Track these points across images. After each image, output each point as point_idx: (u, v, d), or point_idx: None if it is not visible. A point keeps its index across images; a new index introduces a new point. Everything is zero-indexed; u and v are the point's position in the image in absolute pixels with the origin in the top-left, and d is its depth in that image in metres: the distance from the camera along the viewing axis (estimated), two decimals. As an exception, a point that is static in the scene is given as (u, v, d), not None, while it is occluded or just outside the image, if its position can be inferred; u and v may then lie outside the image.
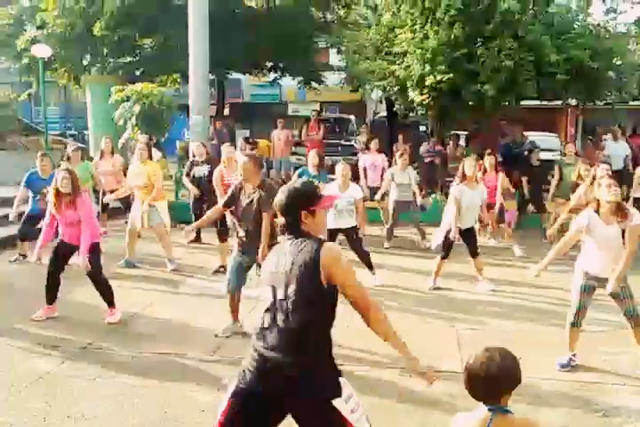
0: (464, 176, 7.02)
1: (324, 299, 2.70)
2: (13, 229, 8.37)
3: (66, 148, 10.84)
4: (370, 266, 7.24)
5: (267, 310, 2.77)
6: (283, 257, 2.78)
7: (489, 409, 2.31)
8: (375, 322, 2.75)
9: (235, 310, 5.57)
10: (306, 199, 2.81)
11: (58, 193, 5.73)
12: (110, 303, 5.97)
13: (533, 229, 9.88)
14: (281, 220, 2.84)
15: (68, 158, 8.88)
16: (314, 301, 2.68)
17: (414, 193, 9.24)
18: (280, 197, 2.84)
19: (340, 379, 2.71)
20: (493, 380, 2.27)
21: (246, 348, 4.80)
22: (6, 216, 8.30)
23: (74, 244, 5.81)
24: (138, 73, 16.11)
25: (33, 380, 4.61)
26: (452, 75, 10.30)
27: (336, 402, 2.62)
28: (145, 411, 4.21)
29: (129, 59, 16.45)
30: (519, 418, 2.36)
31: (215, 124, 14.58)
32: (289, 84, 19.82)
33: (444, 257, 7.13)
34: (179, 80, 17.70)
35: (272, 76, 18.60)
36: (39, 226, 6.37)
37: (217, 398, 4.33)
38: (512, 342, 5.27)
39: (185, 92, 14.55)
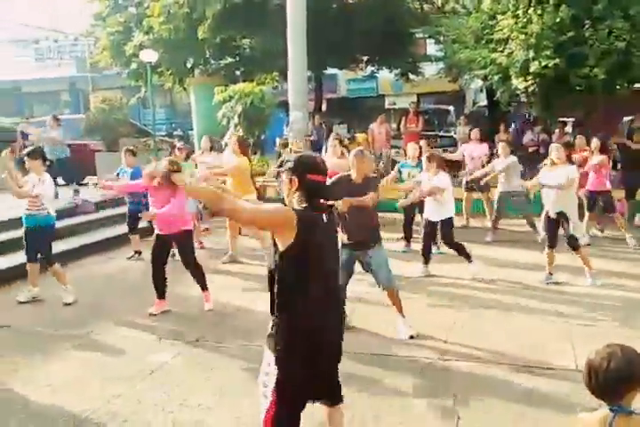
0: (552, 163, 6.71)
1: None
2: (123, 229, 8.80)
3: (172, 148, 11.29)
4: (467, 256, 7.07)
5: None
6: None
7: (610, 409, 2.17)
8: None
9: None
10: None
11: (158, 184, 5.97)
12: (204, 287, 6.26)
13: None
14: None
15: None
16: None
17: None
18: None
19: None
20: (615, 377, 2.13)
21: (354, 341, 4.81)
22: (117, 216, 8.77)
23: (171, 232, 6.09)
24: (238, 73, 16.52)
25: (151, 371, 4.83)
26: (557, 60, 9.84)
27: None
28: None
29: (230, 60, 16.89)
30: None
31: (314, 120, 14.70)
32: (385, 76, 19.66)
33: (551, 246, 6.82)
34: (277, 78, 17.99)
35: (369, 69, 18.52)
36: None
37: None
38: (627, 338, 5.05)
39: (283, 90, 14.81)
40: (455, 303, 6.28)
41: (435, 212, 7.07)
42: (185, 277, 6.47)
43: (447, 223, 7.08)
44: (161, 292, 6.21)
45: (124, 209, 8.96)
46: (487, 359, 4.85)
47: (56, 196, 8.22)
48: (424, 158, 7.18)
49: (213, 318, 6.03)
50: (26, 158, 6.47)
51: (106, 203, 10.13)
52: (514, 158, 9.02)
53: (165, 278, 6.23)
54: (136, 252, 8.54)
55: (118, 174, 8.49)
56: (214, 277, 7.38)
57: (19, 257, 6.88)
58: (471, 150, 10.31)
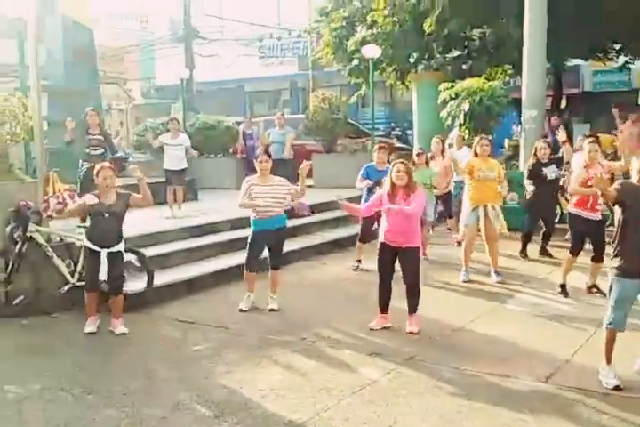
0: None
1: None
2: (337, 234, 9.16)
3: (391, 149, 11.52)
4: None
5: None
6: None
7: None
8: None
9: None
10: None
11: (393, 185, 6.11)
12: (414, 310, 6.22)
13: None
14: None
15: (414, 163, 9.26)
16: None
17: None
18: None
19: None
20: None
21: (582, 377, 4.53)
22: (335, 219, 9.14)
23: (398, 244, 6.11)
24: (465, 67, 16.36)
25: (360, 387, 4.98)
26: None
27: None
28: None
29: (457, 53, 16.79)
30: None
31: (550, 119, 14.06)
32: (640, 67, 18.20)
33: None
34: (509, 72, 17.51)
35: (621, 59, 17.26)
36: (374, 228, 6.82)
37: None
38: None
39: (516, 85, 14.38)
40: None
41: None
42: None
43: None
44: (383, 306, 6.31)
45: (339, 213, 9.36)
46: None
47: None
48: None
49: (429, 337, 6.07)
50: (265, 159, 6.87)
51: (321, 206, 10.63)
52: None
53: (390, 292, 6.30)
54: (357, 260, 8.73)
55: (367, 175, 8.49)
56: (435, 291, 7.45)
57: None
58: None
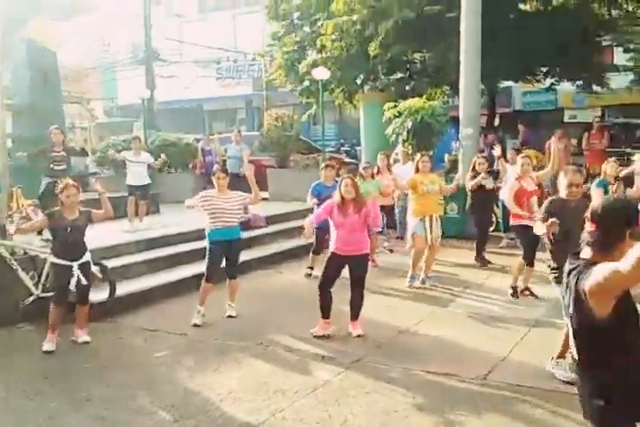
0: None
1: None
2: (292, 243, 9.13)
3: (340, 164, 11.58)
4: None
5: None
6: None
7: None
8: None
9: None
10: (632, 216, 2.64)
11: (343, 199, 6.09)
12: (358, 315, 6.20)
13: None
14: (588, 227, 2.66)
15: (361, 176, 9.30)
16: None
17: None
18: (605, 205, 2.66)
19: None
20: None
21: (518, 374, 4.60)
22: (290, 230, 9.12)
23: (350, 253, 6.09)
24: (408, 88, 16.59)
25: (314, 388, 4.97)
26: None
27: None
28: (417, 431, 4.29)
29: (400, 75, 17.02)
30: None
31: (486, 136, 14.34)
32: (565, 88, 18.67)
33: None
34: (447, 92, 17.82)
35: (548, 81, 17.73)
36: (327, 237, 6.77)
37: (487, 424, 4.29)
38: None
39: (454, 105, 14.61)
40: None
41: None
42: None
43: None
44: (326, 312, 6.24)
45: (293, 224, 9.33)
46: None
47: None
48: None
49: (375, 339, 6.07)
50: (222, 176, 6.77)
51: (276, 217, 10.61)
52: None
53: (331, 299, 6.23)
54: (309, 267, 8.71)
55: (318, 192, 8.40)
56: (380, 297, 7.49)
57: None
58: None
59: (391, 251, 10.09)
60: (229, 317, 6.86)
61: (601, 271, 2.44)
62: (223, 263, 6.88)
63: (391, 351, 5.76)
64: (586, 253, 2.66)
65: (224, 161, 13.49)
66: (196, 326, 6.61)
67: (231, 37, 27.36)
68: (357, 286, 6.21)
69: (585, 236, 2.67)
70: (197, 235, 8.65)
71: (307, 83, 17.44)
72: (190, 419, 4.50)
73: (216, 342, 6.14)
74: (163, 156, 11.50)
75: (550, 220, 4.77)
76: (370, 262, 8.90)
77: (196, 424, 4.42)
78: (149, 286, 7.75)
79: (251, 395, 4.88)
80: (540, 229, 5.03)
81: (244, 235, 9.46)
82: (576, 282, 2.56)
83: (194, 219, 7.18)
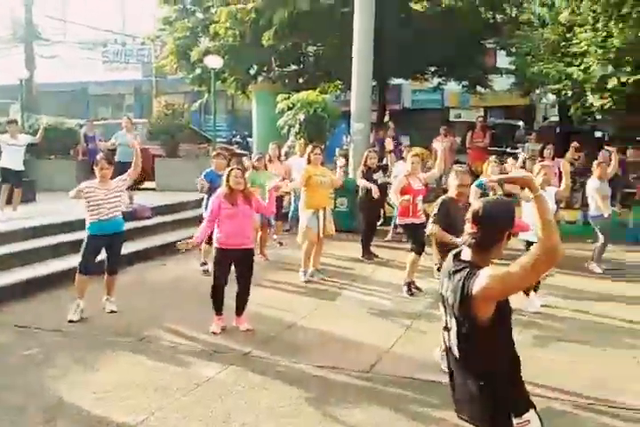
0: None
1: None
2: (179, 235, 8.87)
3: (231, 155, 11.40)
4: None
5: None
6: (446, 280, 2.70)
7: None
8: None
9: None
10: (510, 218, 2.68)
11: (231, 189, 5.95)
12: (244, 309, 6.13)
13: None
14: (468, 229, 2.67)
15: (253, 167, 9.17)
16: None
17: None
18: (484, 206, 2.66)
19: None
20: None
21: (401, 366, 4.66)
22: (177, 221, 8.84)
23: (237, 247, 5.93)
24: (301, 81, 16.61)
25: (197, 385, 4.82)
26: (639, 76, 9.49)
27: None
28: (302, 424, 4.25)
29: (294, 67, 17.00)
30: None
31: (378, 131, 14.61)
32: (452, 88, 19.42)
33: None
34: (340, 87, 18.00)
35: (435, 80, 18.34)
36: None
37: (370, 416, 4.33)
38: None
39: (346, 99, 14.77)
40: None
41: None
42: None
43: None
44: (221, 307, 6.09)
45: (180, 215, 9.07)
46: (548, 393, 4.63)
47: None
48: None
49: (263, 334, 6.00)
50: (106, 166, 6.42)
51: (163, 208, 10.28)
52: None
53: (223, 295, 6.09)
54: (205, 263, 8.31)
55: (210, 180, 8.09)
56: (268, 291, 7.42)
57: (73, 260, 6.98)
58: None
59: (280, 244, 10.05)
60: (111, 312, 6.54)
61: (488, 277, 2.48)
62: (104, 255, 6.55)
63: (278, 346, 5.70)
64: (466, 254, 2.69)
65: (111, 150, 12.90)
66: (72, 321, 6.24)
67: (120, 19, 26.26)
68: (243, 280, 6.08)
69: (465, 237, 2.69)
70: (76, 225, 8.22)
71: (199, 71, 17.05)
72: (63, 420, 4.23)
73: (94, 339, 5.83)
74: (42, 124, 10.79)
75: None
76: (260, 256, 8.91)
77: (69, 425, 4.17)
78: (24, 278, 7.27)
79: (130, 393, 4.66)
80: (432, 228, 5.14)
81: (129, 226, 9.11)
82: (462, 286, 2.57)
83: (72, 208, 6.75)
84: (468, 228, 2.67)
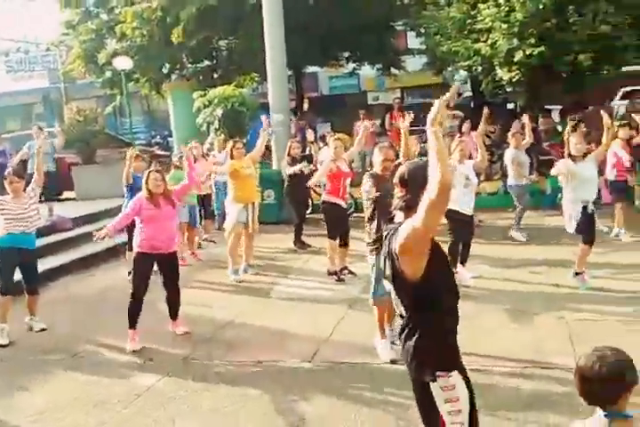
0: (570, 155, 6.53)
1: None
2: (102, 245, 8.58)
3: (152, 157, 11.16)
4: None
5: None
6: None
7: (605, 415, 2.15)
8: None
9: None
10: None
11: (151, 193, 5.78)
12: (178, 313, 6.00)
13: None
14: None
15: (176, 166, 8.88)
16: None
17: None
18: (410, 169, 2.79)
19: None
20: (606, 382, 2.11)
21: (341, 352, 4.65)
22: (100, 230, 8.54)
23: (162, 251, 5.75)
24: (216, 76, 16.40)
25: (137, 395, 4.70)
26: (542, 48, 9.78)
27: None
28: (250, 423, 4.21)
29: (207, 63, 16.77)
30: None
31: (298, 121, 14.60)
32: (367, 72, 19.59)
33: (592, 241, 6.47)
34: (257, 79, 17.87)
35: (350, 66, 18.45)
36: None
37: (316, 406, 4.33)
38: (626, 331, 4.98)
39: (264, 91, 14.66)
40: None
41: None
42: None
43: None
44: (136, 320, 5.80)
45: (103, 224, 8.77)
46: (486, 361, 4.75)
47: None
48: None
49: (199, 336, 5.90)
50: (16, 179, 6.11)
51: (84, 218, 9.96)
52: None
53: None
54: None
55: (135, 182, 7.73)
56: (199, 291, 7.31)
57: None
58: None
59: (213, 242, 9.89)
60: (42, 330, 6.27)
61: (402, 230, 2.57)
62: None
63: (217, 346, 5.62)
64: (399, 216, 2.78)
65: (23, 161, 12.38)
66: (2, 346, 5.95)
67: (21, 27, 25.24)
68: (172, 284, 5.93)
69: (395, 201, 2.78)
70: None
71: (109, 73, 16.65)
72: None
73: (24, 360, 5.59)
74: None
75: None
76: (192, 256, 8.77)
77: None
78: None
79: (67, 412, 4.51)
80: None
81: (50, 239, 8.82)
82: (389, 244, 2.67)
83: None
84: (397, 192, 2.77)
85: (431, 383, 2.68)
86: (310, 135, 9.72)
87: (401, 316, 2.84)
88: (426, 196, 2.43)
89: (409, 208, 2.67)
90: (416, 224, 2.48)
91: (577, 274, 6.50)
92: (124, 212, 6.29)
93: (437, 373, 2.67)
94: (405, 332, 2.79)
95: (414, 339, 2.72)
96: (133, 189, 7.33)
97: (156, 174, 5.86)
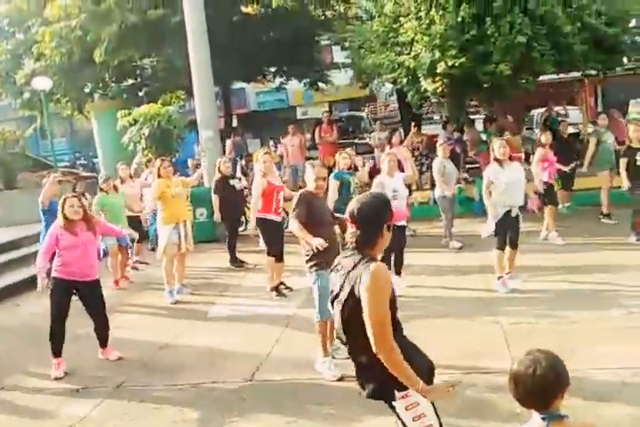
0: (496, 159, 6.72)
1: None
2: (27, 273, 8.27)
3: (77, 180, 10.83)
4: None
5: None
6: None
7: (542, 418, 2.20)
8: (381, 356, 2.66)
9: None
10: (387, 212, 2.82)
11: (69, 220, 5.50)
12: (107, 340, 5.82)
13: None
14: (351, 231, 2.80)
15: (102, 190, 8.63)
16: None
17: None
18: (361, 206, 2.81)
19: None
20: (542, 385, 2.15)
21: (282, 369, 4.59)
22: (24, 257, 8.25)
23: (83, 278, 5.52)
24: (141, 94, 16.15)
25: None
26: (463, 59, 10.06)
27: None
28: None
29: (131, 81, 16.51)
30: (576, 424, 2.27)
31: (233, 138, 14.55)
32: (295, 87, 19.69)
33: (516, 246, 6.69)
34: (183, 97, 17.71)
35: (277, 81, 18.52)
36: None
37: (259, 425, 4.26)
38: (559, 333, 5.14)
39: (191, 108, 14.53)
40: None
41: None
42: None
43: None
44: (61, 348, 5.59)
45: (26, 251, 8.48)
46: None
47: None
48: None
49: (135, 360, 5.72)
50: None
51: (6, 245, 9.54)
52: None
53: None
54: None
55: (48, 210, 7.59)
56: (133, 314, 7.12)
57: None
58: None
59: (146, 263, 9.63)
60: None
61: (365, 291, 2.63)
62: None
63: (154, 370, 5.46)
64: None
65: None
66: None
67: None
68: (97, 313, 5.70)
69: (348, 237, 2.82)
70: None
71: (27, 95, 16.14)
72: None
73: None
74: None
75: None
76: (123, 279, 8.52)
77: None
78: None
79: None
80: (292, 225, 5.11)
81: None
82: (353, 280, 2.69)
83: None
84: (350, 228, 2.81)
85: (394, 404, 2.71)
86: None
87: (342, 342, 2.88)
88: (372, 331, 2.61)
89: (363, 245, 2.77)
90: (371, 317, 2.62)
91: (499, 278, 6.70)
92: (42, 245, 5.97)
93: (396, 394, 2.69)
94: (356, 359, 2.82)
95: (365, 365, 2.75)
96: (50, 213, 7.06)
97: (73, 200, 5.56)
